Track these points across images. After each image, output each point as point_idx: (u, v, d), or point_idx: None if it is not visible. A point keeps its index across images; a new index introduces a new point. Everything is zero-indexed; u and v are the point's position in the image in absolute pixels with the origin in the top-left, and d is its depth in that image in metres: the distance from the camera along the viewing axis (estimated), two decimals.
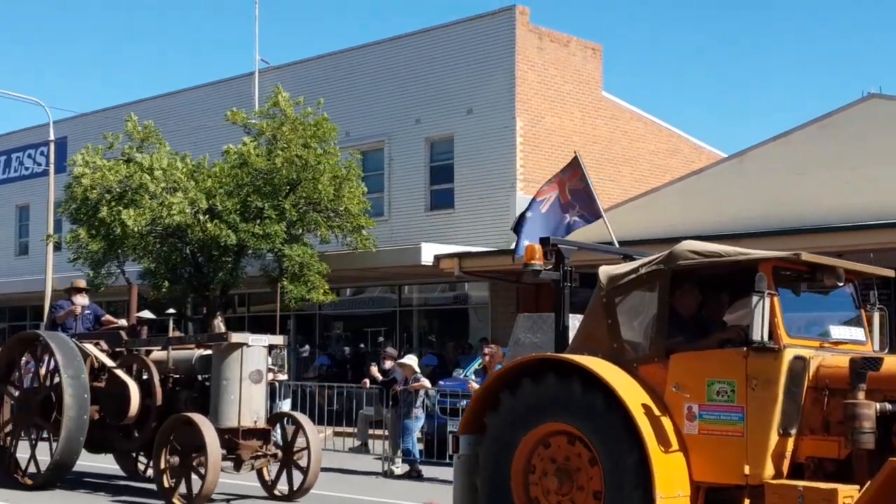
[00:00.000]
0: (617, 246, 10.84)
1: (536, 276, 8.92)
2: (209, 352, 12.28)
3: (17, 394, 13.55)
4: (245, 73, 29.72)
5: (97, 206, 22.14)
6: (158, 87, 74.79)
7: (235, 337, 11.89)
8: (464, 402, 16.21)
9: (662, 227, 20.97)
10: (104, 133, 23.83)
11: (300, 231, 22.88)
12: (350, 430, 19.44)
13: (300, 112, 22.66)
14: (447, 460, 15.90)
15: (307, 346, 28.49)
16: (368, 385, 17.83)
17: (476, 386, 15.63)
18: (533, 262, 8.89)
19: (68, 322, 13.83)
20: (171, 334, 13.22)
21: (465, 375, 18.59)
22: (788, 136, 20.67)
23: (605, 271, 8.70)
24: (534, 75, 24.97)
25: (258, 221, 21.96)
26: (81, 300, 14.07)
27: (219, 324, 22.82)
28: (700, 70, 65.66)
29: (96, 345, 13.10)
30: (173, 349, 12.70)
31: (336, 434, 19.43)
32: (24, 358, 14.32)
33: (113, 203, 21.88)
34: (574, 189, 11.69)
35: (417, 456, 15.61)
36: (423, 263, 22.73)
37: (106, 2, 74.33)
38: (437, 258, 22.59)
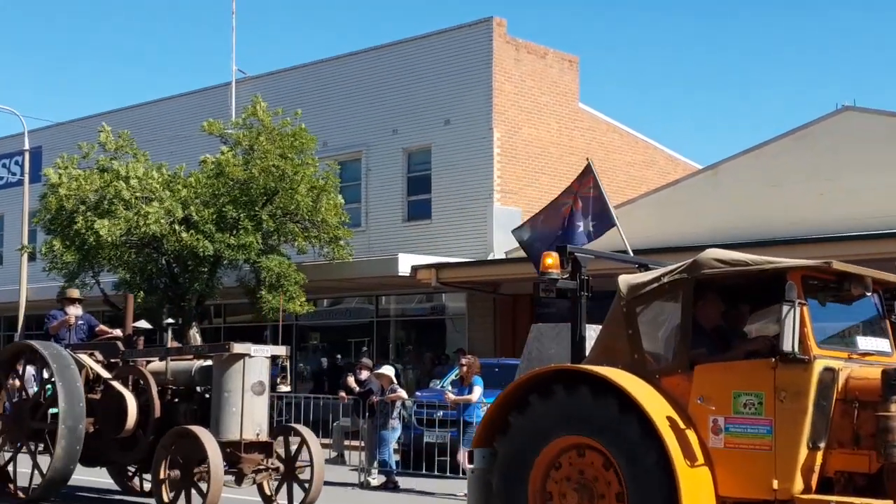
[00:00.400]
0: (631, 254, 10.66)
1: (553, 285, 8.73)
2: (209, 363, 11.93)
3: (8, 405, 13.09)
4: (222, 83, 29.67)
5: (72, 217, 22.02)
6: (135, 97, 74.57)
7: (237, 347, 11.55)
8: (441, 413, 16.20)
9: (638, 239, 20.96)
10: (79, 143, 23.72)
11: (277, 242, 22.83)
12: (326, 441, 19.37)
13: (278, 122, 22.64)
14: (423, 471, 15.90)
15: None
16: (346, 398, 17.77)
17: (453, 396, 15.66)
18: (549, 270, 8.65)
19: (62, 332, 13.48)
20: (169, 344, 12.88)
21: (442, 386, 18.57)
22: (763, 148, 20.81)
23: (625, 280, 8.50)
24: (511, 87, 25.04)
25: (234, 232, 21.89)
26: (75, 310, 13.73)
27: (194, 335, 22.72)
28: (675, 82, 66.11)
29: (91, 355, 12.71)
30: (172, 360, 12.35)
31: None
32: (27, 369, 13.82)
33: (88, 213, 21.76)
34: (586, 197, 11.43)
35: (394, 467, 15.57)
36: (400, 274, 22.73)
37: (81, 11, 74.10)
38: (415, 269, 22.60)
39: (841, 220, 18.91)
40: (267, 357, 11.79)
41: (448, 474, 15.52)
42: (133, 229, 21.51)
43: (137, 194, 21.81)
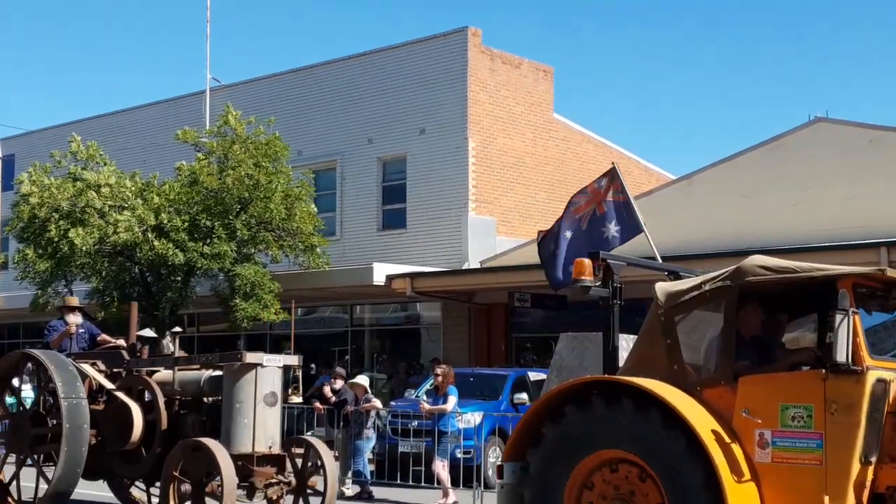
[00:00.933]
0: (660, 261, 10.26)
1: (586, 292, 8.38)
2: (219, 372, 11.48)
3: (7, 416, 12.68)
4: (196, 92, 29.58)
5: (45, 225, 21.88)
6: (108, 105, 74.13)
7: (249, 357, 11.10)
8: (415, 423, 16.18)
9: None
10: (52, 151, 23.59)
11: (251, 250, 22.76)
12: (300, 451, 19.25)
13: (252, 131, 22.59)
14: (398, 481, 15.86)
15: None
16: (322, 408, 17.71)
17: (428, 406, 15.63)
18: (583, 277, 8.31)
19: (63, 343, 13.04)
20: (176, 353, 12.26)
21: (417, 396, 18.55)
22: (736, 158, 20.95)
23: (662, 288, 8.17)
24: (486, 96, 25.11)
25: (208, 241, 21.80)
26: (74, 318, 13.24)
27: (167, 344, 22.57)
28: (650, 93, 66.46)
29: (93, 365, 12.23)
30: (179, 369, 11.86)
31: None
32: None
33: (61, 222, 21.64)
34: (613, 201, 10.81)
35: (368, 477, 15.53)
36: (374, 283, 22.72)
37: (54, 18, 73.69)
38: (389, 278, 22.59)
39: (813, 230, 19.06)
40: (279, 367, 11.40)
41: (423, 484, 15.48)
42: (105, 238, 21.40)
43: (109, 203, 21.69)
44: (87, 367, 12.10)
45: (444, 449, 14.76)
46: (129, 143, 28.58)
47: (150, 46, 72.47)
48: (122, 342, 13.08)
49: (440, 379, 15.43)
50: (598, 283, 8.52)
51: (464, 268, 23.87)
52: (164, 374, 11.95)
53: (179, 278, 22.32)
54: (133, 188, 22.22)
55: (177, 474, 10.79)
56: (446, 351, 24.11)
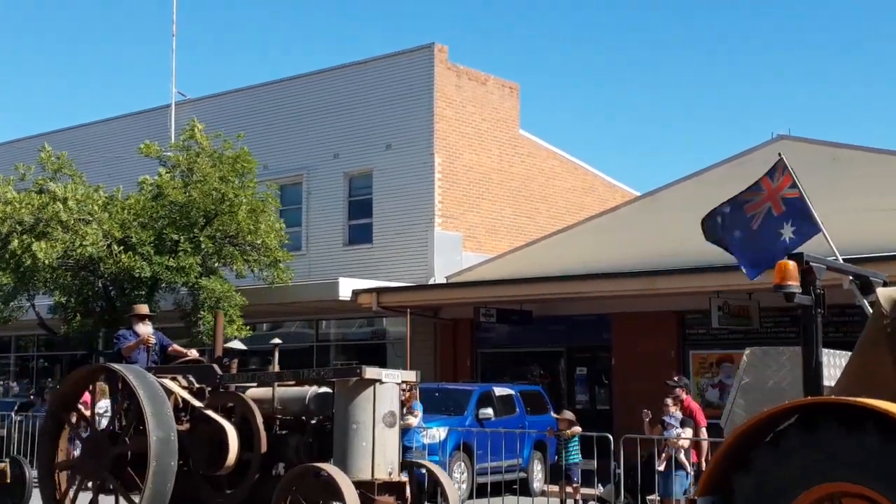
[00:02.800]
0: (843, 264, 9.09)
1: (790, 299, 7.42)
2: (327, 389, 10.34)
3: (83, 435, 11.56)
4: (162, 105, 29.45)
5: (7, 239, 21.65)
6: (74, 119, 73.61)
7: (369, 372, 9.92)
8: None
9: (578, 264, 21.27)
10: (15, 164, 23.36)
11: (216, 264, 22.63)
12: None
13: (219, 145, 22.50)
14: None
15: None
16: None
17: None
18: (788, 283, 7.33)
19: (133, 355, 11.70)
20: (275, 367, 11.02)
21: None
22: (701, 175, 21.13)
23: (887, 295, 7.22)
24: (452, 112, 25.19)
25: (173, 254, 21.67)
26: (146, 329, 11.92)
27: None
28: (615, 110, 66.94)
29: (173, 380, 10.96)
30: (279, 386, 10.64)
31: None
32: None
33: (24, 235, 21.42)
34: (787, 198, 9.81)
35: None
36: (340, 298, 22.67)
37: (20, 30, 73.07)
38: (355, 293, 22.57)
39: None
40: (398, 383, 10.33)
41: None
42: (70, 251, 21.21)
43: (76, 216, 21.52)
44: (170, 384, 10.87)
45: (409, 462, 14.70)
46: (93, 157, 28.38)
47: (116, 60, 72.11)
48: (194, 353, 12.13)
49: (407, 395, 15.42)
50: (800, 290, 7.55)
51: (430, 283, 23.89)
52: (258, 391, 10.75)
53: (144, 292, 22.14)
54: (99, 201, 22.06)
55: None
56: (412, 366, 24.00)
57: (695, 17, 65.27)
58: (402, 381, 10.50)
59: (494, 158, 26.26)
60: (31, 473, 12.97)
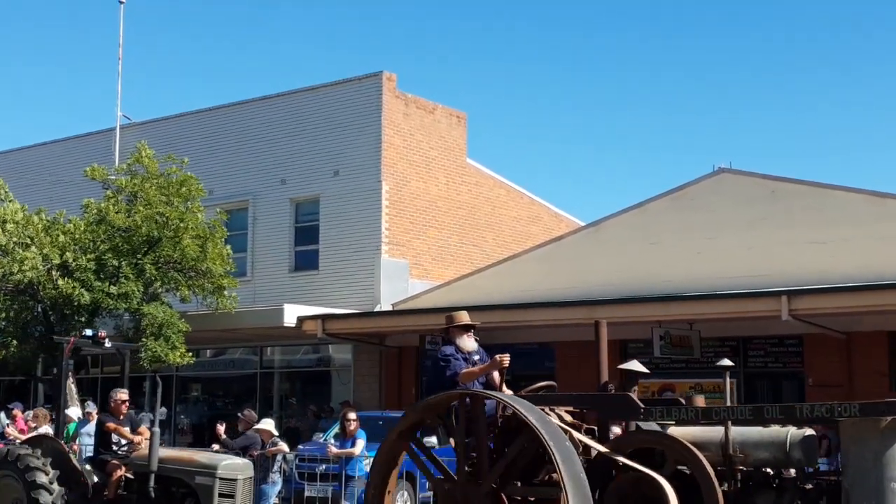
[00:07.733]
0: None
1: None
2: (810, 431, 8.03)
3: (442, 480, 9.16)
4: (106, 129, 29.18)
5: None
6: (15, 141, 72.53)
7: None
8: (322, 467, 16.03)
9: (523, 293, 21.38)
10: None
11: (158, 289, 22.39)
12: None
13: (165, 169, 22.32)
14: None
15: (164, 409, 27.72)
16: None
17: (335, 450, 15.47)
18: None
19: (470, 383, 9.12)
20: (730, 399, 8.56)
21: (325, 439, 18.40)
22: (643, 206, 21.38)
23: None
24: (400, 140, 25.26)
25: (115, 280, 21.41)
26: (470, 343, 9.32)
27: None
28: (561, 140, 67.50)
29: (551, 411, 8.68)
30: (734, 424, 8.06)
31: None
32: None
33: None
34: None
35: None
36: (285, 325, 22.53)
37: None
38: (300, 319, 22.44)
39: (715, 278, 19.52)
40: None
41: None
42: (8, 275, 20.87)
43: (14, 239, 21.20)
44: (556, 420, 8.62)
45: (351, 493, 14.65)
46: (35, 180, 28.01)
47: (60, 83, 71.32)
48: (551, 383, 9.80)
49: (353, 426, 15.34)
50: None
51: (376, 310, 23.84)
52: (697, 430, 8.25)
53: (84, 318, 21.83)
54: (39, 225, 21.76)
55: None
56: (357, 394, 23.98)
57: (641, 48, 66.25)
58: None
59: (442, 186, 26.35)
60: None
